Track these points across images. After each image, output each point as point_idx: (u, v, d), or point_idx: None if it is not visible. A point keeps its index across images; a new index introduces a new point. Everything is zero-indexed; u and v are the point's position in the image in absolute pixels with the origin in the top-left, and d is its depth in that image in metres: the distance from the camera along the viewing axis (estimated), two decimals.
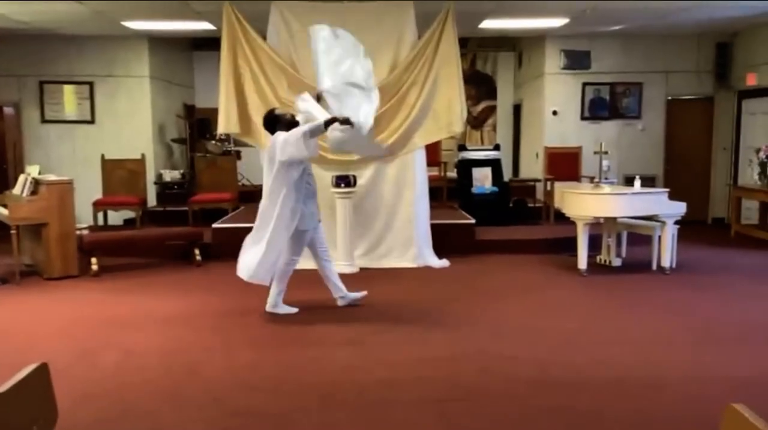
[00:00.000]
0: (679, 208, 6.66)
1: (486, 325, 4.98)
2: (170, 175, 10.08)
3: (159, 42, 10.01)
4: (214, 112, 7.25)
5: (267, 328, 4.99)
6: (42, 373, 1.83)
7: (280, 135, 4.94)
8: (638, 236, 7.25)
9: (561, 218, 7.37)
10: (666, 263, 6.66)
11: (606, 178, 8.51)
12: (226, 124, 6.98)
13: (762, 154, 8.37)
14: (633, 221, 6.95)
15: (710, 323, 5.01)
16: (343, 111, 5.11)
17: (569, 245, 6.97)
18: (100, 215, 8.56)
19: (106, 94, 9.81)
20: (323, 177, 6.66)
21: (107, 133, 9.76)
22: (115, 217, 9.06)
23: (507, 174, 10.34)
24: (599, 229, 7.05)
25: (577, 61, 9.95)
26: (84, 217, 8.20)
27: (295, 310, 5.30)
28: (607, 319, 5.17)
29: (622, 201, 6.51)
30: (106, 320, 5.20)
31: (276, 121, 5.12)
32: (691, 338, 4.67)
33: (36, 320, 5.32)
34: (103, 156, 8.79)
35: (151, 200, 9.59)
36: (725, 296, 5.87)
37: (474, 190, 9.09)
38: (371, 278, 6.37)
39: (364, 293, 5.47)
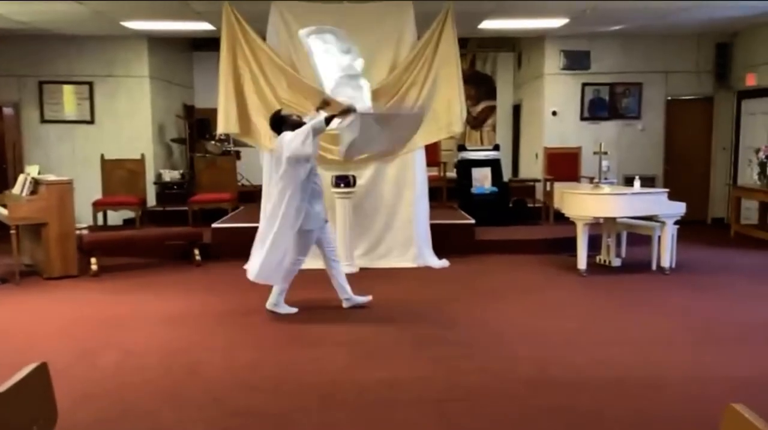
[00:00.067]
0: (679, 208, 6.66)
1: (486, 325, 4.98)
2: (170, 175, 10.08)
3: (159, 42, 10.01)
4: (214, 112, 7.26)
5: (267, 328, 4.99)
6: (42, 373, 1.83)
7: (287, 135, 4.98)
8: (638, 236, 7.25)
9: (561, 218, 7.37)
10: (666, 263, 6.66)
11: (605, 179, 8.50)
12: (225, 124, 6.98)
13: (761, 155, 8.38)
14: (633, 221, 6.95)
15: (710, 323, 5.01)
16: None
17: (569, 245, 6.97)
18: (100, 215, 8.56)
19: (106, 95, 9.81)
20: (323, 177, 6.62)
21: (107, 133, 9.76)
22: (115, 217, 9.06)
23: (506, 174, 10.35)
24: (599, 229, 7.05)
25: (576, 61, 9.95)
26: (83, 217, 8.19)
27: (294, 310, 5.31)
28: (607, 319, 5.17)
29: (621, 201, 6.52)
30: (106, 320, 5.20)
31: (282, 122, 5.16)
32: (691, 338, 4.67)
33: (36, 319, 5.31)
34: (102, 156, 8.79)
35: (151, 200, 9.59)
36: (725, 296, 5.88)
37: (474, 190, 9.09)
38: (371, 278, 6.38)
39: (369, 297, 5.46)
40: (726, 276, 6.67)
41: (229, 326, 5.01)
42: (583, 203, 6.51)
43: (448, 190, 9.49)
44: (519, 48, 11.54)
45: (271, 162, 5.74)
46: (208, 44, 10.32)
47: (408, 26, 7.05)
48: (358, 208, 7.00)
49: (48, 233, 6.58)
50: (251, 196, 8.76)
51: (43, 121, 9.81)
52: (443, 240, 7.34)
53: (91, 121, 9.84)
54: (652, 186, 9.13)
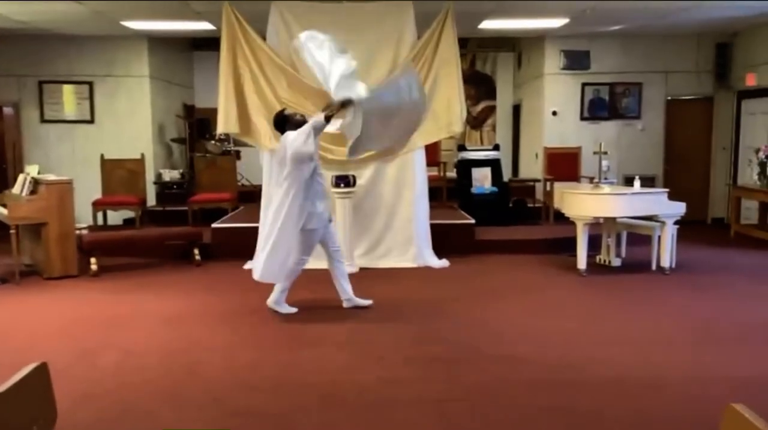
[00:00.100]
0: (679, 208, 6.66)
1: (486, 325, 4.98)
2: (170, 175, 10.08)
3: (159, 42, 10.00)
4: (214, 112, 7.25)
5: (267, 328, 4.99)
6: (42, 373, 1.83)
7: (290, 135, 4.99)
8: (638, 236, 7.25)
9: (561, 218, 7.37)
10: (666, 263, 6.66)
11: (605, 179, 8.50)
12: (225, 124, 6.98)
13: (761, 154, 8.38)
14: (633, 221, 6.95)
15: (710, 323, 5.01)
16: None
17: (569, 245, 6.97)
18: (100, 215, 8.56)
19: (106, 94, 9.80)
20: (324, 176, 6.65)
21: (107, 133, 9.76)
22: (115, 217, 9.06)
23: (506, 174, 10.35)
24: (599, 229, 7.05)
25: (576, 61, 9.95)
26: (83, 217, 8.19)
27: (294, 310, 5.31)
28: (607, 319, 5.17)
29: (621, 201, 6.52)
30: (106, 319, 5.20)
31: (285, 122, 5.18)
32: (691, 338, 4.67)
33: (36, 319, 5.31)
34: (102, 156, 8.79)
35: (151, 200, 9.58)
36: (725, 296, 5.88)
37: (473, 190, 9.09)
38: (371, 278, 6.38)
39: (370, 301, 5.45)
40: (726, 276, 6.67)
41: (229, 326, 5.01)
42: (583, 203, 6.51)
43: (448, 190, 9.49)
44: (519, 48, 11.54)
45: (271, 162, 5.71)
46: (208, 44, 10.32)
47: (408, 26, 7.05)
48: (358, 208, 7.00)
49: (48, 233, 6.58)
50: (251, 196, 8.76)
51: (43, 121, 9.81)
52: (443, 240, 7.34)
53: (91, 121, 9.83)
54: (652, 186, 9.13)
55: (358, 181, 6.88)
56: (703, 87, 10.05)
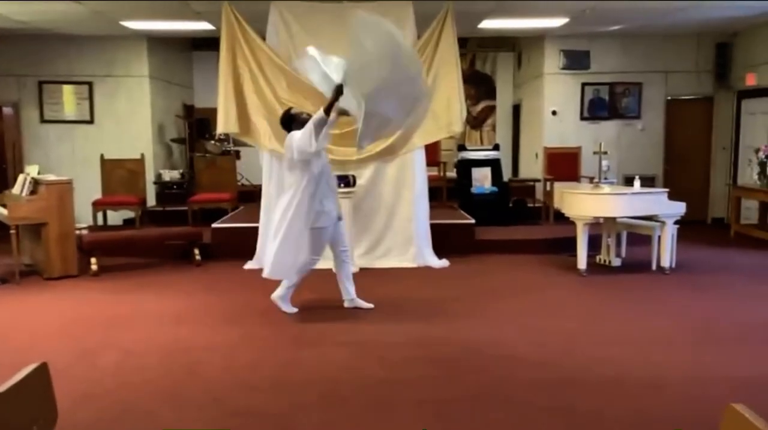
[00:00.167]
0: (679, 208, 6.66)
1: (486, 325, 4.98)
2: (170, 175, 10.08)
3: (158, 42, 10.00)
4: (214, 112, 7.26)
5: (267, 328, 4.99)
6: (42, 373, 1.83)
7: (296, 134, 4.98)
8: (638, 236, 7.25)
9: (560, 218, 7.36)
10: (666, 263, 6.66)
11: (605, 179, 8.50)
12: (225, 124, 6.98)
13: (761, 154, 8.38)
14: (633, 221, 6.95)
15: (710, 323, 5.01)
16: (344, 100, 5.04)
17: (569, 245, 6.97)
18: (100, 215, 8.56)
19: (106, 94, 9.80)
20: None
21: (106, 133, 9.76)
22: (115, 217, 9.06)
23: (506, 174, 10.35)
24: (599, 229, 7.05)
25: (576, 61, 9.95)
26: (83, 217, 8.19)
27: (294, 310, 5.31)
28: (607, 319, 5.17)
29: (621, 201, 6.52)
30: (106, 319, 5.20)
31: (291, 121, 5.16)
32: (691, 338, 4.67)
33: (36, 319, 5.31)
34: (102, 156, 8.79)
35: (151, 200, 9.58)
36: (725, 296, 5.88)
37: (473, 190, 9.09)
38: (371, 278, 6.37)
39: (371, 305, 5.43)
40: (726, 276, 6.67)
41: (229, 326, 5.01)
42: (583, 203, 6.51)
43: (448, 190, 9.49)
44: (519, 48, 11.54)
45: (280, 167, 5.66)
46: (207, 44, 10.32)
47: (408, 26, 7.04)
48: (358, 208, 7.00)
49: (48, 233, 6.58)
50: (251, 196, 8.76)
51: (43, 121, 9.81)
52: (443, 240, 7.34)
53: (91, 121, 9.84)
54: (652, 186, 9.13)
55: (358, 181, 6.88)
56: (703, 87, 10.05)
